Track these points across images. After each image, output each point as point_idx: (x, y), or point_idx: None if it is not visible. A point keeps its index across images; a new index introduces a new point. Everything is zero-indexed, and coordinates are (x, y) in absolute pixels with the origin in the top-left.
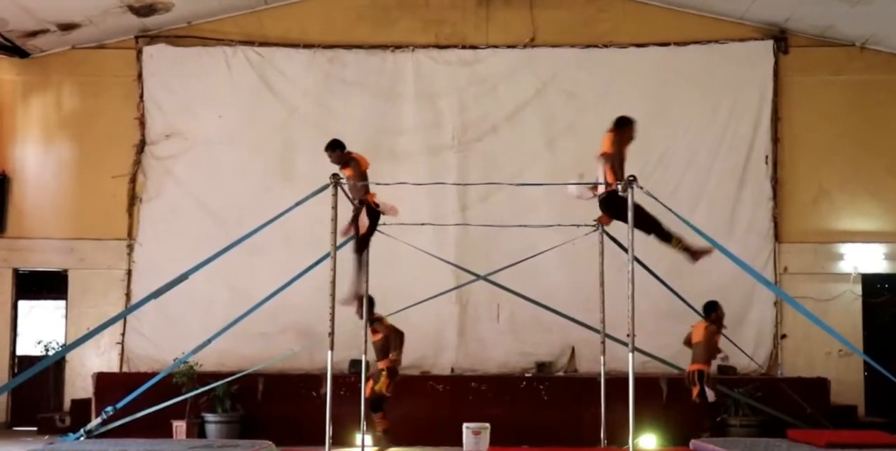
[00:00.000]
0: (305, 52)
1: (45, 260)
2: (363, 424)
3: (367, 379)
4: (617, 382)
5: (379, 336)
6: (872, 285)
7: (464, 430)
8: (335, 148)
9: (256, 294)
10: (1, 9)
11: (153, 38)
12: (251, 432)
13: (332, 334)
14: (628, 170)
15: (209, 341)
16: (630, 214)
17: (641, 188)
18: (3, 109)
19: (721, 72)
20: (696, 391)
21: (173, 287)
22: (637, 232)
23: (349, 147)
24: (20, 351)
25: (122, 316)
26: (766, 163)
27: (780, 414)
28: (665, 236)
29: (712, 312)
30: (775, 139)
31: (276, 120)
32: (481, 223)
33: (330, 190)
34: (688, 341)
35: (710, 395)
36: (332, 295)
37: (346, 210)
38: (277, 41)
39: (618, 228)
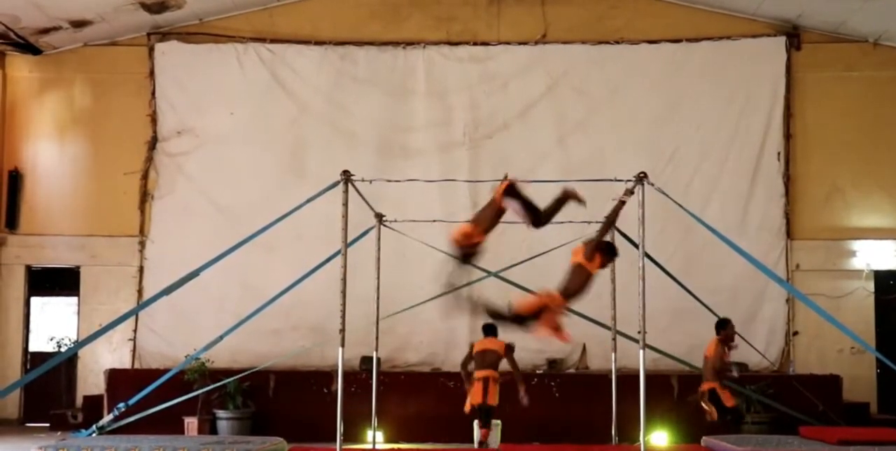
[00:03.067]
0: (317, 49)
1: (57, 257)
2: (374, 420)
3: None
4: (628, 379)
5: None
6: (885, 281)
7: (475, 427)
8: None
9: (268, 291)
10: (14, 6)
11: (165, 35)
12: (262, 428)
13: (343, 330)
14: (639, 166)
15: (221, 337)
16: (641, 212)
17: (653, 185)
18: (16, 106)
19: (733, 68)
20: (710, 409)
21: (185, 284)
22: (649, 229)
23: (360, 144)
24: (33, 347)
25: (134, 313)
26: (779, 159)
27: (792, 411)
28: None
29: (721, 329)
30: (788, 136)
31: (288, 117)
32: None
33: (341, 187)
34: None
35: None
36: (344, 292)
37: (356, 207)
38: (289, 38)
39: (629, 225)
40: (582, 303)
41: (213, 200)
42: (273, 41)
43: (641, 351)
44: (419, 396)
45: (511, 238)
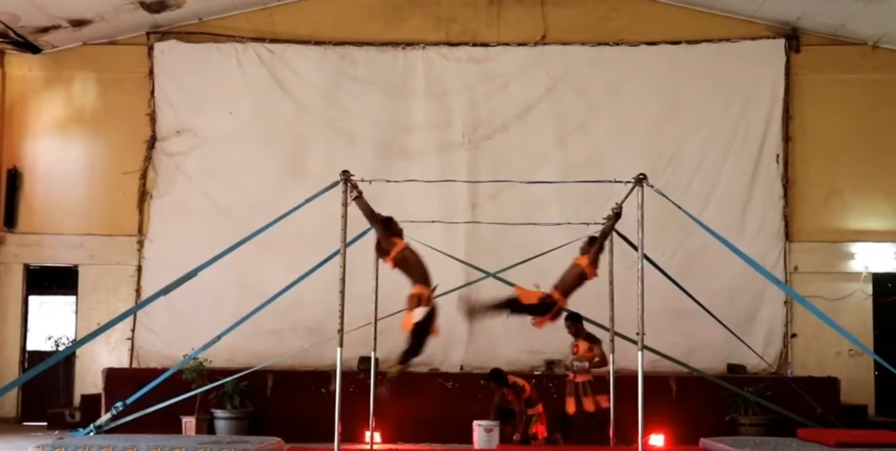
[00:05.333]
0: (316, 49)
1: (55, 256)
2: (372, 421)
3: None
4: (626, 380)
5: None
6: (883, 284)
7: (475, 427)
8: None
9: (267, 291)
10: (13, 5)
11: (164, 34)
12: (260, 428)
13: (341, 331)
14: (638, 167)
15: (219, 337)
16: (641, 213)
17: (652, 187)
18: (15, 105)
19: (733, 70)
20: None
21: (183, 283)
22: (647, 231)
23: (359, 144)
24: (30, 346)
25: (133, 312)
26: (778, 162)
27: (790, 413)
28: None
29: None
30: (787, 138)
31: (287, 117)
32: (491, 221)
33: (340, 187)
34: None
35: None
36: (342, 292)
37: (355, 208)
38: (288, 38)
39: (628, 226)
40: (580, 304)
41: (212, 200)
42: (273, 41)
43: (640, 352)
44: (417, 396)
45: (510, 239)
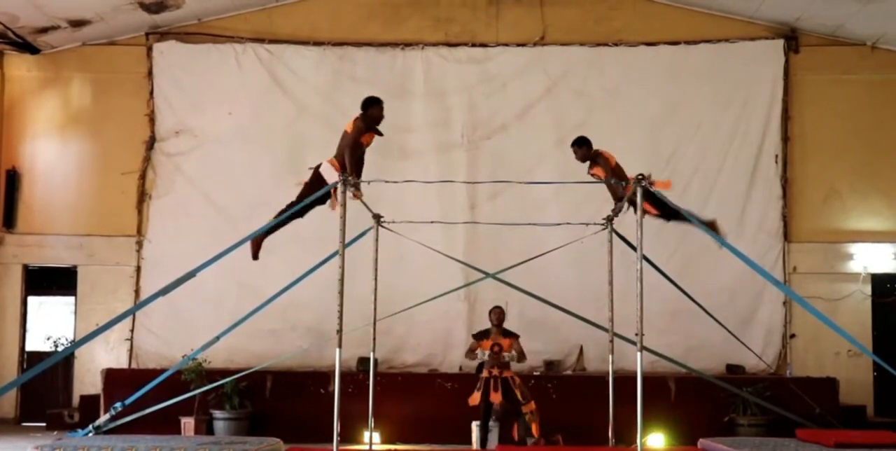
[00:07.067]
0: (315, 49)
1: (54, 256)
2: (371, 421)
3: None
4: (625, 381)
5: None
6: (882, 285)
7: (474, 428)
8: (582, 144)
9: (266, 291)
10: (12, 5)
11: (164, 34)
12: (259, 429)
13: (340, 331)
14: (637, 168)
15: (218, 338)
16: (639, 213)
17: (651, 186)
18: (14, 105)
19: (731, 71)
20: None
21: (182, 284)
22: (646, 231)
23: None
24: (29, 347)
25: (131, 312)
26: (777, 162)
27: (788, 414)
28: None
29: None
30: (786, 138)
31: (286, 117)
32: (490, 221)
33: (339, 187)
34: None
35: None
36: (341, 293)
37: (354, 208)
38: (287, 38)
39: (627, 226)
40: (579, 305)
41: (211, 201)
42: (271, 41)
43: (639, 353)
44: (416, 397)
45: (509, 240)
